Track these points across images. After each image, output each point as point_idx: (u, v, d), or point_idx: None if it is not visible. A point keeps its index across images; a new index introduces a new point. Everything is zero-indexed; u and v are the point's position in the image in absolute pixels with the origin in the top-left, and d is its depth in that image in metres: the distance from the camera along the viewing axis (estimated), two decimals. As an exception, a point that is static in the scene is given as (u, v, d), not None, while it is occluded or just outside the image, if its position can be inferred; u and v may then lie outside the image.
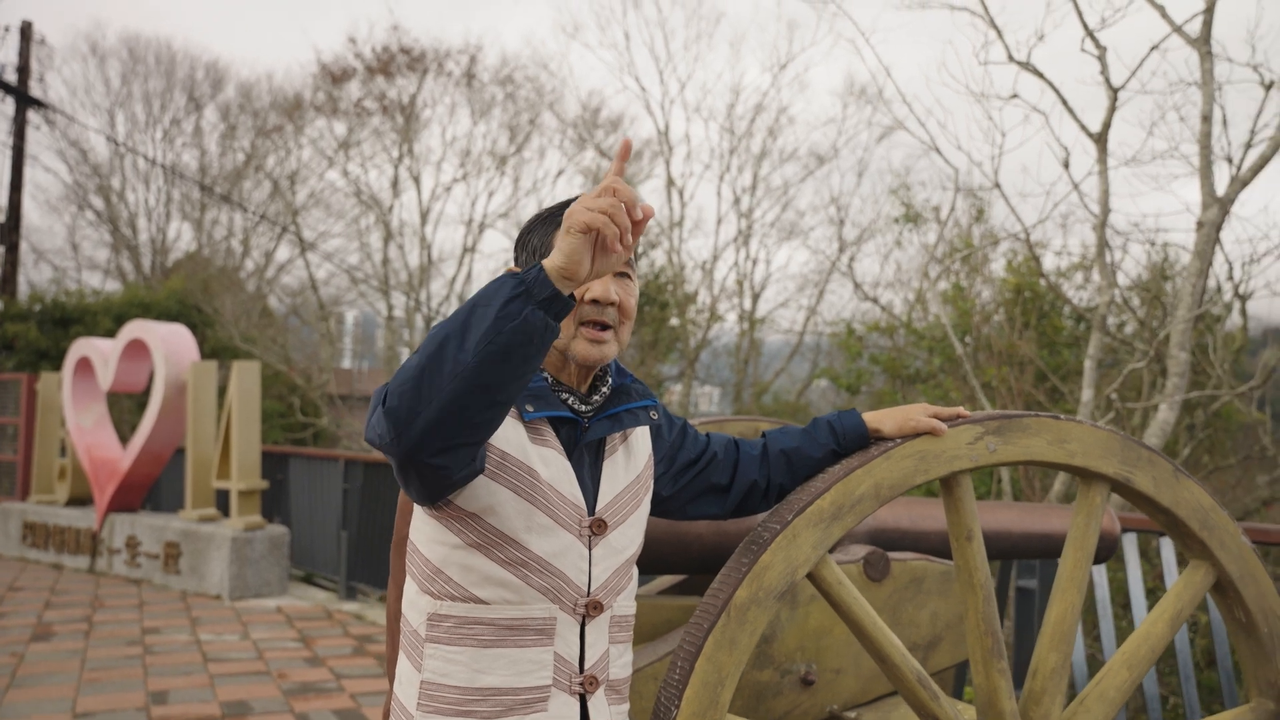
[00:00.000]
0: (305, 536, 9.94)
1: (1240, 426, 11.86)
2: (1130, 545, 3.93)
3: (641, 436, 1.99)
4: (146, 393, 12.55)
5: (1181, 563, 4.07)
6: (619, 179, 1.51)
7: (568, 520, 1.79)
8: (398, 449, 1.52)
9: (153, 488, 11.51)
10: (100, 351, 10.29)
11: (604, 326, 1.82)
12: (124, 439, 12.50)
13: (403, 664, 1.83)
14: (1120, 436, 2.25)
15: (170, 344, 9.65)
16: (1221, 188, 7.87)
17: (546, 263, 1.51)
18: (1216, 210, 7.71)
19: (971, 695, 5.09)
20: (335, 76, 24.18)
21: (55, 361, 16.92)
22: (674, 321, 20.88)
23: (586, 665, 1.81)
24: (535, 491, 1.75)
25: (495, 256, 31.38)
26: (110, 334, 16.63)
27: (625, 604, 1.91)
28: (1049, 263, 13.46)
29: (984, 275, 14.08)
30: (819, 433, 2.14)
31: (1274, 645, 2.37)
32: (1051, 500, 8.21)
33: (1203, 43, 7.91)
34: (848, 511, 2.05)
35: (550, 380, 1.86)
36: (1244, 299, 10.31)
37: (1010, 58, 8.75)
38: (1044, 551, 2.97)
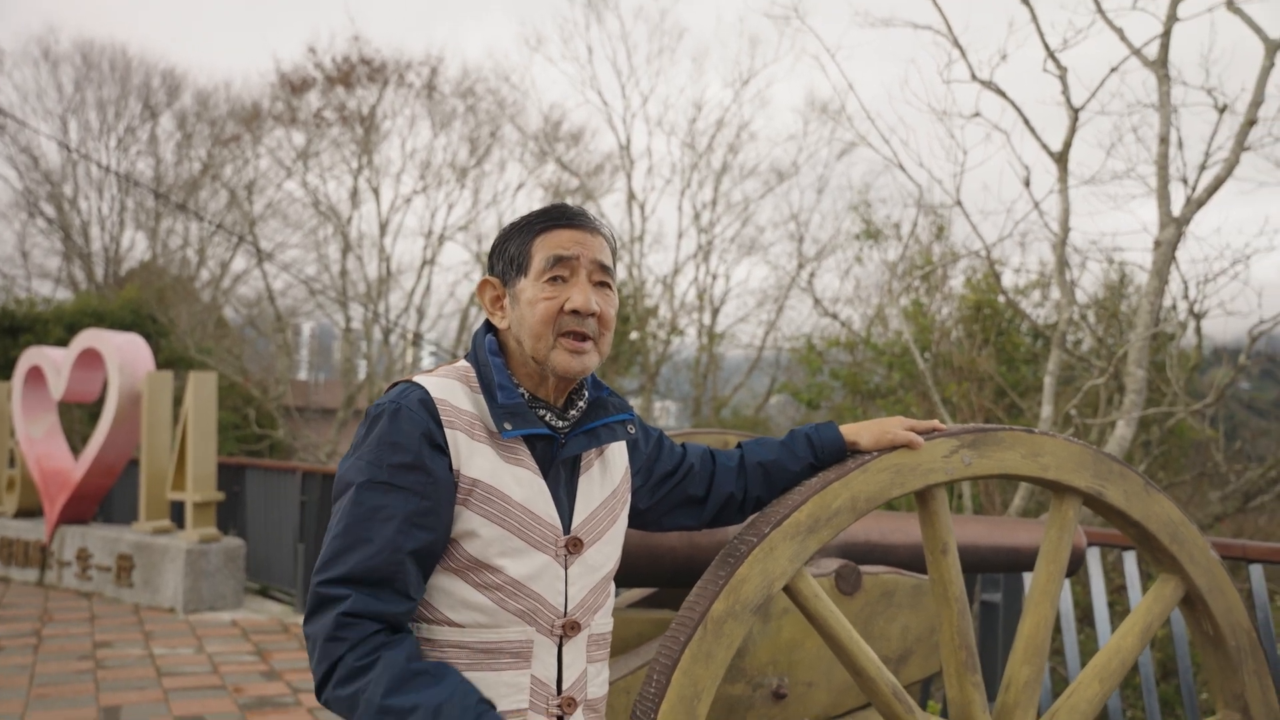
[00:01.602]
0: (261, 549, 9.80)
1: (1193, 443, 12.04)
2: (1094, 559, 3.96)
3: (617, 450, 1.96)
4: (99, 403, 12.34)
5: (1144, 577, 4.10)
6: None
7: (543, 541, 1.76)
8: (316, 689, 1.67)
9: (105, 499, 11.31)
10: (52, 360, 10.10)
11: (584, 337, 1.79)
12: (76, 449, 12.26)
13: None
14: (1092, 450, 2.27)
15: (125, 354, 9.49)
16: (1178, 208, 8.00)
17: None
18: (1173, 230, 7.83)
19: (933, 709, 5.10)
20: (294, 86, 23.97)
21: (4, 371, 16.60)
22: (634, 336, 20.89)
23: (564, 686, 1.79)
24: (508, 516, 1.73)
25: (454, 269, 31.25)
26: (61, 343, 16.35)
27: (603, 622, 1.88)
28: (1008, 280, 13.62)
29: (944, 292, 14.20)
30: (797, 445, 2.13)
31: (1241, 658, 2.38)
32: (1012, 515, 8.28)
33: (1160, 65, 8.04)
34: (824, 524, 2.04)
35: (527, 396, 1.82)
36: (1199, 318, 10.47)
37: (973, 76, 8.85)
38: (1010, 565, 2.97)
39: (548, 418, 1.82)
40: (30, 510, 10.59)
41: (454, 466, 1.71)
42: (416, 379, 1.79)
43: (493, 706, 1.65)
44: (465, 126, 24.53)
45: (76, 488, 9.57)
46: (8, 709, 5.59)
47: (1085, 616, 7.54)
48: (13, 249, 28.04)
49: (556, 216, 1.83)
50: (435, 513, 1.68)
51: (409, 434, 1.69)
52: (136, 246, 27.82)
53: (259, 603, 9.21)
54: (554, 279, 1.78)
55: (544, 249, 1.79)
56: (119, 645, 7.26)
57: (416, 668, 1.61)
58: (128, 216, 27.37)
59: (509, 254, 1.84)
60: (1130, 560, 3.92)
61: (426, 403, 1.73)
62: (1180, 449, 12.08)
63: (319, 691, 1.63)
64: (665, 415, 25.96)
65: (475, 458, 1.73)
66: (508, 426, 1.74)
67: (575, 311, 1.77)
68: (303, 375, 30.20)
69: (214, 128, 26.68)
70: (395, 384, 1.80)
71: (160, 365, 15.51)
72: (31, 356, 10.35)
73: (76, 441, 15.68)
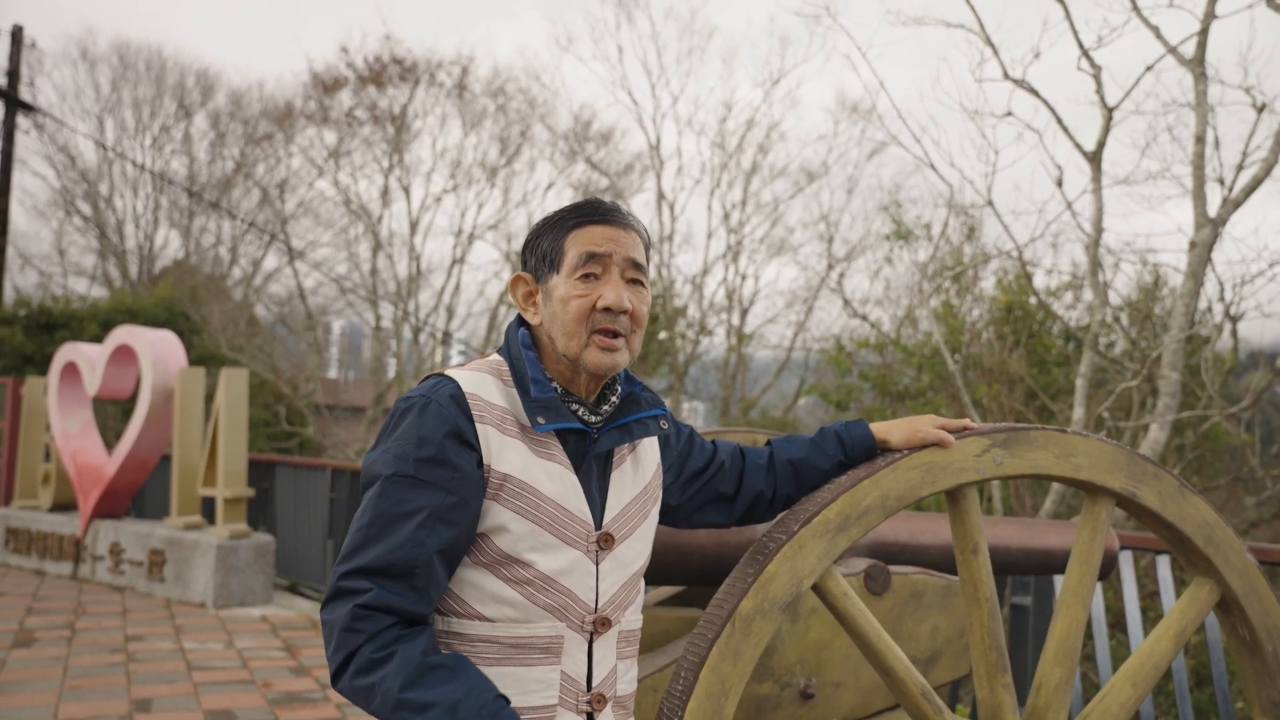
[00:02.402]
0: (291, 545, 9.87)
1: (1228, 448, 11.90)
2: (1126, 563, 3.92)
3: (649, 446, 1.96)
4: (133, 399, 12.46)
5: (1179, 583, 4.05)
6: None
7: (574, 537, 1.75)
8: (332, 676, 1.67)
9: (137, 494, 11.42)
10: (87, 356, 10.21)
11: (616, 335, 1.78)
12: (109, 445, 12.38)
13: None
14: (1126, 451, 2.24)
15: (158, 350, 9.58)
16: (1214, 209, 7.90)
17: None
18: (1209, 231, 7.74)
19: (961, 712, 5.07)
20: (327, 85, 24.13)
21: (41, 366, 16.80)
22: (663, 335, 20.88)
23: (594, 683, 1.78)
24: (540, 511, 1.73)
25: (484, 268, 31.36)
26: (96, 340, 16.52)
27: (633, 618, 1.88)
28: (1039, 281, 13.51)
29: (975, 293, 14.11)
30: (826, 443, 2.11)
31: (1278, 664, 2.35)
32: (1043, 518, 8.21)
33: (1196, 64, 7.95)
34: (854, 523, 2.03)
35: (560, 390, 1.82)
36: (1235, 320, 10.34)
37: (1006, 75, 8.79)
38: (1042, 568, 2.95)
39: (580, 412, 1.81)
40: (65, 505, 10.71)
41: (484, 461, 1.71)
42: (449, 372, 1.79)
43: (508, 701, 1.65)
44: (496, 126, 24.62)
45: (110, 483, 9.67)
46: (42, 700, 5.66)
47: (1117, 622, 7.47)
48: (50, 246, 28.46)
49: (589, 212, 1.82)
50: (461, 508, 1.68)
51: (436, 429, 1.68)
52: (170, 245, 28.16)
53: (288, 599, 9.28)
54: (587, 276, 1.77)
55: (577, 245, 1.79)
56: (150, 639, 7.33)
57: (433, 661, 1.61)
58: (162, 215, 27.69)
59: (542, 250, 1.83)
60: (1164, 564, 3.88)
61: (457, 398, 1.72)
62: (1215, 453, 11.94)
63: (335, 679, 1.64)
64: (694, 415, 25.93)
65: (506, 452, 1.72)
66: (541, 421, 1.73)
67: (608, 309, 1.76)
68: (333, 373, 30.44)
69: (247, 127, 26.95)
70: (428, 377, 1.80)
71: (192, 362, 15.64)
72: (67, 352, 10.47)
73: (110, 437, 15.83)
